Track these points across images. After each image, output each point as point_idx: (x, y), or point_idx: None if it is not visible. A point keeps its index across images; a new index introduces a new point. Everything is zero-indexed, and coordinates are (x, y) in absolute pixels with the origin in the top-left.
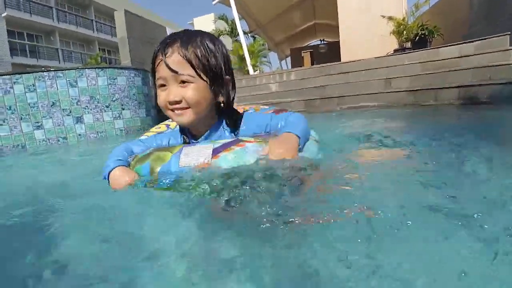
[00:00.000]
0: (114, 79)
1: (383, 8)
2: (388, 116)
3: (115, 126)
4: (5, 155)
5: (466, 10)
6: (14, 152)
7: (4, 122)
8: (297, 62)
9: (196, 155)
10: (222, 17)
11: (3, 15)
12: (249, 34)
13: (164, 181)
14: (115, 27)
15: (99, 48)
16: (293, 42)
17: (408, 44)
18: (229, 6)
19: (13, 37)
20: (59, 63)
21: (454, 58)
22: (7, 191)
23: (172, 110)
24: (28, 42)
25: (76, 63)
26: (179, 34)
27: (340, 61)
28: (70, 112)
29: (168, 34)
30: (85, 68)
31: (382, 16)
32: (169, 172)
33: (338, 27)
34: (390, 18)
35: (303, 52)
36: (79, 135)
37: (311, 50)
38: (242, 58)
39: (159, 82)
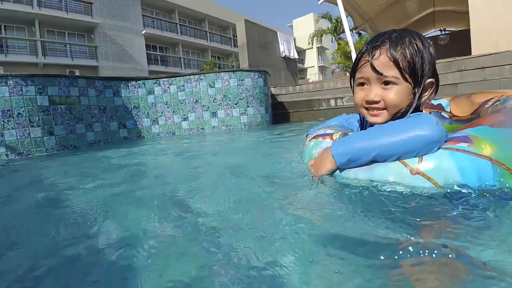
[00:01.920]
0: (242, 80)
1: None
2: None
3: (241, 121)
4: (161, 139)
5: None
6: (167, 137)
7: (162, 114)
8: None
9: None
10: (326, 16)
11: (142, 32)
12: (353, 31)
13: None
14: (225, 36)
15: (211, 55)
16: None
17: None
18: (335, 4)
19: (149, 50)
20: (181, 69)
21: None
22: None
23: (367, 109)
24: (159, 53)
25: (194, 69)
26: (389, 35)
27: (470, 54)
28: (208, 108)
29: (279, 38)
30: (221, 71)
31: None
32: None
33: (467, 12)
34: None
35: None
36: (213, 127)
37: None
38: (347, 56)
39: (359, 80)
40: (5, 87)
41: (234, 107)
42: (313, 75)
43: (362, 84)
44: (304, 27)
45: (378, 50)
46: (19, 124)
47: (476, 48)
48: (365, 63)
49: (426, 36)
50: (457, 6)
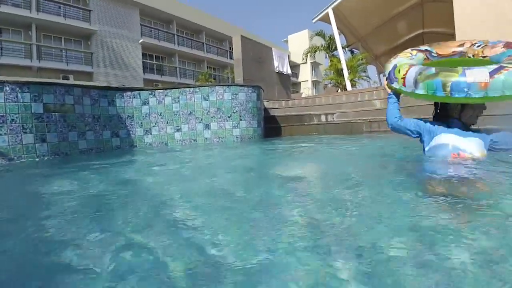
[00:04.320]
0: (236, 95)
1: None
2: None
3: (233, 133)
4: (153, 148)
5: None
6: (160, 146)
7: (156, 124)
8: None
9: (480, 75)
10: (320, 33)
11: (140, 41)
12: (346, 49)
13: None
14: (221, 48)
15: (207, 66)
16: (395, 53)
17: None
18: (329, 22)
19: (145, 58)
20: (177, 79)
21: None
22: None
23: None
24: (156, 62)
25: (189, 79)
26: None
27: None
28: (201, 120)
29: (273, 54)
30: (216, 85)
31: None
32: (460, 86)
33: (453, 35)
34: None
35: None
36: (206, 138)
37: None
38: (339, 73)
39: None
40: (1, 93)
41: (227, 120)
42: (306, 89)
43: None
44: (299, 43)
45: None
46: (12, 130)
47: None
48: None
49: None
50: (445, 28)
